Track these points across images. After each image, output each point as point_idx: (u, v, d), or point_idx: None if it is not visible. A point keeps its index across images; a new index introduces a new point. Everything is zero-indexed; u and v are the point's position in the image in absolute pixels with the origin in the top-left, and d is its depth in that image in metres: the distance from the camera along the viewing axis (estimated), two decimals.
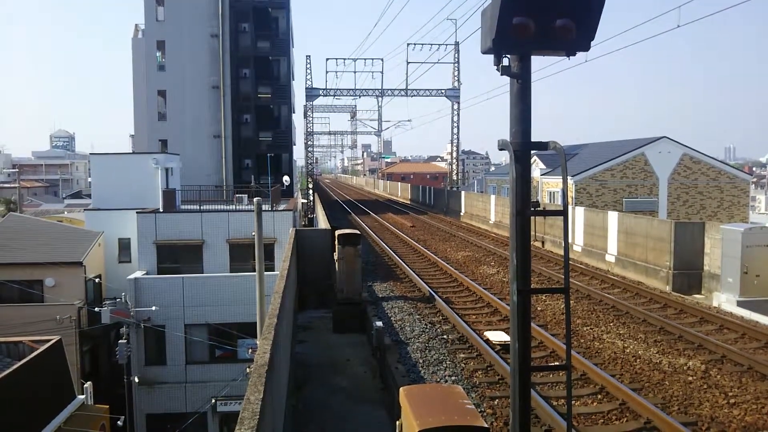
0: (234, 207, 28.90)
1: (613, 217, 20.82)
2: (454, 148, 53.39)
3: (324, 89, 49.29)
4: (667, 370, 10.25)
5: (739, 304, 14.53)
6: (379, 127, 78.29)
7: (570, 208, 24.09)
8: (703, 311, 13.84)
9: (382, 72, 48.89)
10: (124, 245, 29.08)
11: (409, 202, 58.55)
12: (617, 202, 35.47)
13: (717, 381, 9.70)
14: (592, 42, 3.37)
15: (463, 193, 41.87)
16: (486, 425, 4.89)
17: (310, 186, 56.99)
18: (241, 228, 26.08)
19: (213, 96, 40.56)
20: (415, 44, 47.31)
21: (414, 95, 48.77)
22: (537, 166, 40.00)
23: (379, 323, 12.02)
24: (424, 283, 17.30)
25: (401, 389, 5.71)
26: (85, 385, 20.00)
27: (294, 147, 48.03)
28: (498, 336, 12.05)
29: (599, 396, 9.19)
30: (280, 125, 45.36)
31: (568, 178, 34.82)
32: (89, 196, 45.91)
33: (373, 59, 48.89)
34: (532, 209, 3.45)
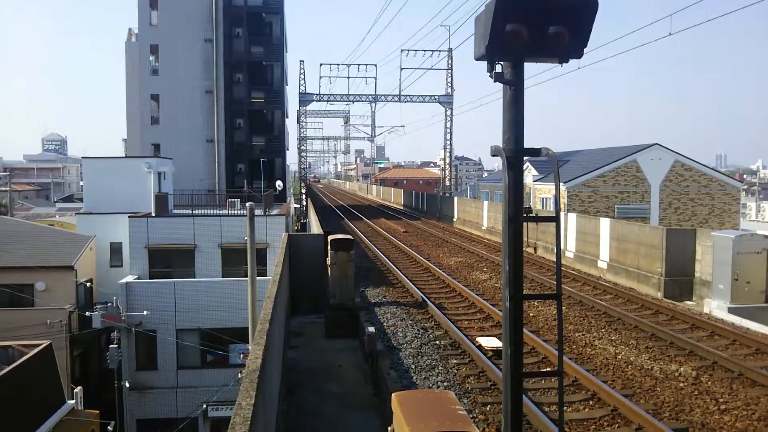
0: (226, 212, 28.83)
1: (605, 223, 20.89)
2: (447, 154, 53.47)
3: (317, 94, 49.30)
4: (659, 377, 10.28)
5: (730, 310, 14.59)
6: (373, 132, 78.44)
7: (562, 214, 24.18)
8: (695, 318, 13.89)
9: (375, 78, 48.96)
10: (115, 249, 28.95)
11: (402, 208, 58.58)
12: (609, 208, 35.59)
13: (708, 387, 9.73)
14: (584, 49, 3.39)
15: (456, 198, 41.92)
16: (478, 431, 4.89)
17: (303, 191, 56.91)
18: (234, 233, 26.00)
19: (206, 100, 40.52)
20: (408, 50, 47.33)
21: (407, 101, 48.79)
22: (529, 173, 40.11)
23: (372, 329, 12.00)
24: (417, 288, 17.29)
25: (393, 395, 5.70)
26: (75, 390, 19.89)
27: (287, 152, 48.00)
28: (490, 342, 12.06)
29: (591, 402, 9.20)
30: (274, 130, 45.32)
31: (561, 184, 34.99)
32: (81, 199, 45.75)
33: (366, 65, 48.93)
34: (525, 215, 3.46)
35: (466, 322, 14.11)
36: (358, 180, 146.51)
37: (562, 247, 23.07)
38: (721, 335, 12.68)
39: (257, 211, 21.42)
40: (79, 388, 20.16)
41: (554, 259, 22.97)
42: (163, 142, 40.24)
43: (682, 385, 9.88)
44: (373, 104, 58.22)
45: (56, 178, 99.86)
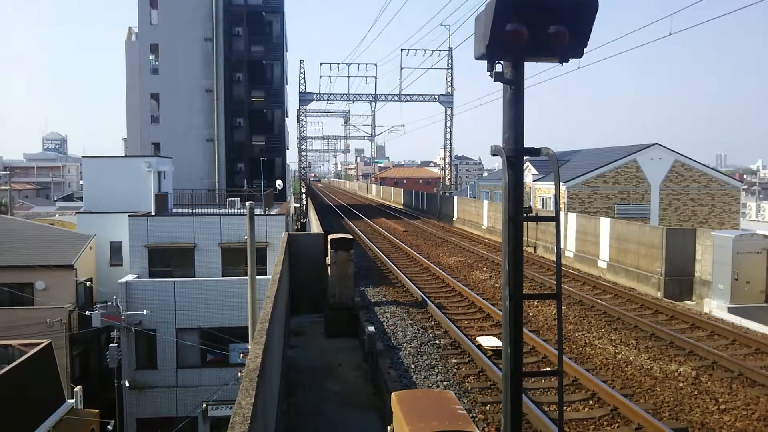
0: (226, 211, 28.82)
1: (605, 223, 20.89)
2: (447, 154, 53.49)
3: (317, 94, 49.32)
4: (659, 376, 10.28)
5: (730, 310, 14.60)
6: (373, 131, 78.47)
7: (562, 214, 24.18)
8: (694, 317, 13.89)
9: (375, 77, 48.98)
10: (115, 248, 28.94)
11: (402, 207, 58.57)
12: (609, 208, 35.59)
13: (708, 387, 9.73)
14: (585, 49, 3.39)
15: (455, 198, 41.92)
16: (477, 431, 4.89)
17: (303, 190, 56.92)
18: (234, 232, 25.99)
19: (206, 100, 40.51)
20: (408, 50, 47.38)
21: (407, 100, 48.80)
22: (529, 172, 40.11)
23: (372, 328, 12.00)
24: (417, 288, 17.29)
25: (393, 394, 5.71)
26: (74, 389, 19.90)
27: (287, 151, 48.02)
28: (490, 341, 12.06)
29: (591, 401, 9.20)
30: (274, 129, 45.33)
31: (561, 184, 34.99)
32: (81, 199, 45.72)
33: (366, 64, 48.98)
34: (525, 215, 3.46)
35: (466, 322, 14.11)
36: (358, 179, 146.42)
37: (562, 246, 23.07)
38: (721, 335, 12.68)
39: (257, 211, 21.43)
40: (78, 387, 20.18)
41: (554, 258, 22.98)
42: (163, 141, 40.24)
43: (681, 384, 9.88)
44: (373, 103, 58.21)
45: (56, 177, 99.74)
